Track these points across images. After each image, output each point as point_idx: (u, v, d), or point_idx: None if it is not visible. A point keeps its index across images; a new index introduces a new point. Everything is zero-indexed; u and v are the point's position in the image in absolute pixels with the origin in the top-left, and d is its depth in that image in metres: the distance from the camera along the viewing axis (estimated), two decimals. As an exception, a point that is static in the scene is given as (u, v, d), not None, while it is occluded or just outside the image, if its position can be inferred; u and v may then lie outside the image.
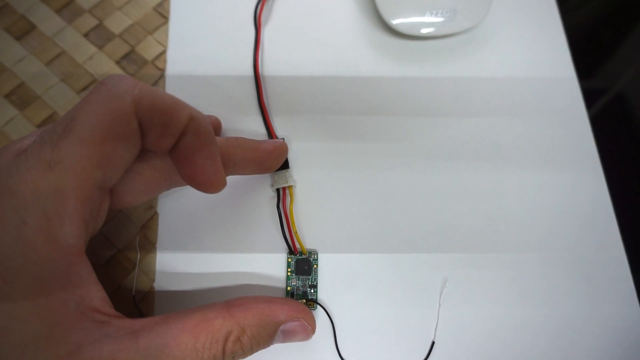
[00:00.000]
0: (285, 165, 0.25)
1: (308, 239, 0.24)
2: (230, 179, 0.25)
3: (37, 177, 0.15)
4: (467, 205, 0.25)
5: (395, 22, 0.28)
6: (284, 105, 0.27)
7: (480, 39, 0.29)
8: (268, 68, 0.28)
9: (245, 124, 0.26)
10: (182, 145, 0.18)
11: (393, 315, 0.23)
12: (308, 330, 0.20)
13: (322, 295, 0.23)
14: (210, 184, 0.18)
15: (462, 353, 0.23)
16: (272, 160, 0.23)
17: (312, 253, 0.24)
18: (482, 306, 0.23)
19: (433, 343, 0.22)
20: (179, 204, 0.25)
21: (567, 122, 0.27)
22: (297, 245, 0.24)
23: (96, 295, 0.16)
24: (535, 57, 0.29)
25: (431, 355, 0.22)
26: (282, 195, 0.25)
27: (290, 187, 0.25)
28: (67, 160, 0.15)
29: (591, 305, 0.24)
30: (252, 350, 0.18)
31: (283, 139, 0.26)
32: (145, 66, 0.27)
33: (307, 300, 0.23)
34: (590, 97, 0.29)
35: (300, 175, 0.26)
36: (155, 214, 0.24)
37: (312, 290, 0.23)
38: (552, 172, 0.26)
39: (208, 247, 0.24)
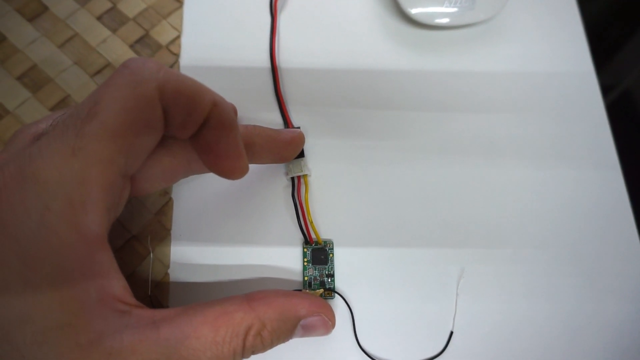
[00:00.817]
0: (300, 154, 0.25)
1: (323, 229, 0.24)
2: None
3: (61, 163, 0.15)
4: (482, 199, 0.25)
5: (414, 11, 0.27)
6: (299, 95, 0.27)
7: (498, 30, 0.29)
8: (283, 57, 0.28)
9: (260, 112, 0.26)
10: (205, 132, 0.17)
11: (410, 305, 0.23)
12: (328, 325, 0.19)
13: (339, 284, 0.23)
14: (233, 171, 0.18)
15: (480, 343, 0.23)
16: (289, 150, 0.23)
17: (328, 242, 0.24)
18: (497, 300, 0.23)
19: (451, 333, 0.22)
20: (194, 191, 0.24)
21: (584, 116, 0.27)
22: (313, 235, 0.23)
23: (117, 283, 0.16)
24: (552, 50, 0.29)
25: (449, 344, 0.22)
26: (297, 184, 0.24)
27: (305, 176, 0.25)
28: (91, 146, 0.15)
29: (611, 301, 0.24)
30: (272, 344, 0.18)
31: (299, 127, 0.25)
32: (159, 51, 0.27)
33: (325, 289, 0.23)
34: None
35: (315, 165, 0.25)
36: (170, 200, 0.24)
37: (329, 280, 0.23)
38: (568, 167, 0.26)
39: (222, 234, 0.24)
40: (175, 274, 0.23)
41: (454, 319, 0.23)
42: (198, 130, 0.17)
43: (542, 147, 0.26)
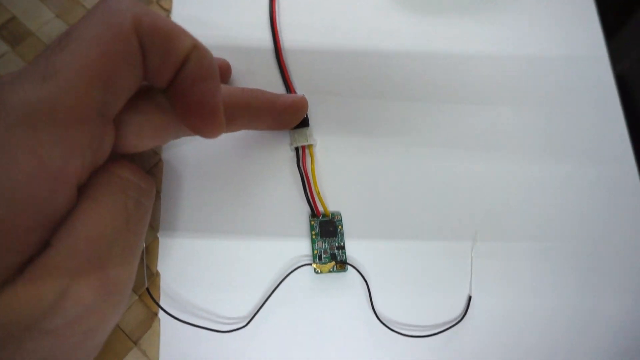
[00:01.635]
0: (305, 123, 0.23)
1: (330, 202, 0.23)
2: (246, 133, 0.23)
3: (29, 89, 0.13)
4: (492, 192, 0.24)
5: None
6: (301, 60, 0.25)
7: (510, 12, 0.28)
8: (284, 22, 0.26)
9: (259, 75, 0.25)
10: (180, 78, 0.16)
11: (424, 271, 0.22)
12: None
13: (350, 255, 0.22)
14: (205, 125, 0.17)
15: (498, 311, 0.22)
16: (289, 114, 0.22)
17: (336, 214, 0.22)
18: (506, 292, 0.22)
19: (470, 297, 0.22)
20: (187, 154, 0.23)
21: (598, 104, 0.26)
22: (320, 207, 0.22)
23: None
24: (566, 35, 0.27)
25: (469, 310, 0.21)
26: (301, 155, 0.23)
27: (310, 146, 0.23)
28: (62, 74, 0.14)
29: (622, 298, 0.22)
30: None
31: (303, 94, 0.24)
32: (149, 6, 0.25)
33: (337, 262, 0.21)
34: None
35: (320, 137, 0.24)
36: (160, 161, 0.23)
37: (340, 252, 0.22)
38: (581, 159, 0.25)
39: (219, 201, 0.22)
40: (165, 240, 0.22)
41: (470, 283, 0.22)
42: (175, 76, 0.16)
43: (556, 139, 0.25)
